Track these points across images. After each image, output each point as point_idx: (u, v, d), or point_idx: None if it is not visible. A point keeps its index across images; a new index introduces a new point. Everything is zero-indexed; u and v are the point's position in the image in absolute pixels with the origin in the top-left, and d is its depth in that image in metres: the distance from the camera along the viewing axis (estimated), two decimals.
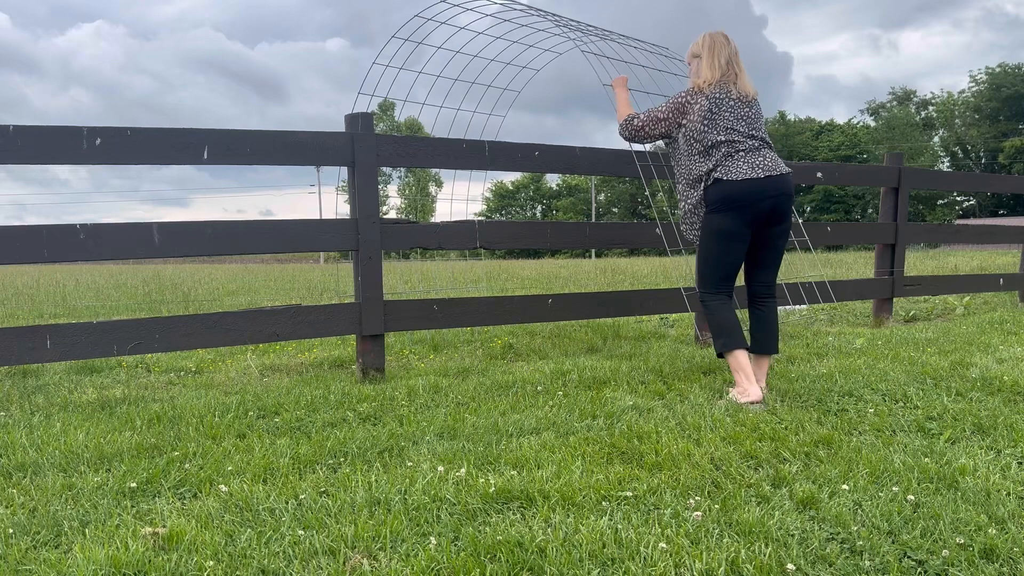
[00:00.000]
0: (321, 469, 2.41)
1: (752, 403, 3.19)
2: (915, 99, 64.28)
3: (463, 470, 2.32)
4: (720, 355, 3.40)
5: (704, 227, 3.41)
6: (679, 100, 3.48)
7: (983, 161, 57.87)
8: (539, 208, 77.03)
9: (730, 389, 3.38)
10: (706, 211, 3.39)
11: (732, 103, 3.39)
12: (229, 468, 2.39)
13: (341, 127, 4.07)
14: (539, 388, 3.58)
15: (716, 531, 1.90)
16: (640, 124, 3.61)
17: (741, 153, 3.34)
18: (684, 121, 3.45)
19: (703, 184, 3.38)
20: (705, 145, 3.36)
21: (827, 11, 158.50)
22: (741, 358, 3.32)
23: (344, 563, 1.74)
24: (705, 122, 3.37)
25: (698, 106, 3.40)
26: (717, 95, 3.40)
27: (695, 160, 3.41)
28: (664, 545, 1.80)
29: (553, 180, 74.80)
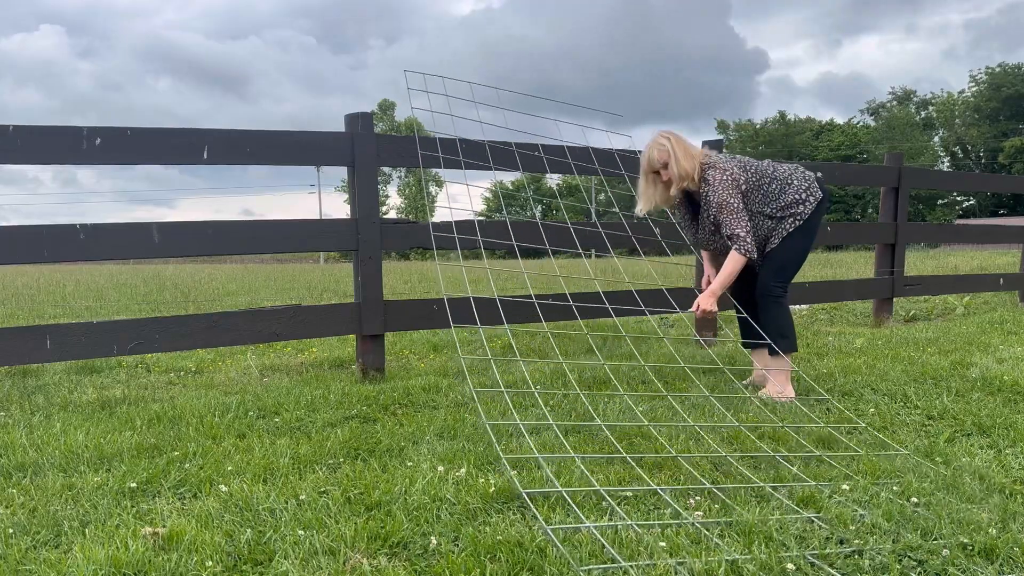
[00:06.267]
0: (321, 469, 2.42)
1: (790, 400, 3.28)
2: (915, 99, 64.26)
3: (463, 470, 2.32)
4: (773, 353, 3.48)
5: (805, 228, 3.50)
6: (727, 182, 3.41)
7: (983, 161, 57.85)
8: (539, 208, 77.02)
9: (766, 386, 3.45)
10: (809, 217, 3.50)
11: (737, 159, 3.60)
12: (229, 468, 2.39)
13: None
14: (539, 388, 3.58)
15: (716, 531, 1.90)
16: (743, 232, 3.42)
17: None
18: (744, 189, 3.49)
19: (803, 205, 3.49)
20: (779, 182, 3.50)
21: (788, 18, 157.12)
22: (790, 361, 3.48)
23: (344, 563, 1.74)
24: (756, 175, 3.50)
25: (731, 174, 3.43)
26: (722, 163, 3.49)
27: (771, 200, 3.49)
28: (664, 545, 1.80)
29: (553, 180, 74.73)
